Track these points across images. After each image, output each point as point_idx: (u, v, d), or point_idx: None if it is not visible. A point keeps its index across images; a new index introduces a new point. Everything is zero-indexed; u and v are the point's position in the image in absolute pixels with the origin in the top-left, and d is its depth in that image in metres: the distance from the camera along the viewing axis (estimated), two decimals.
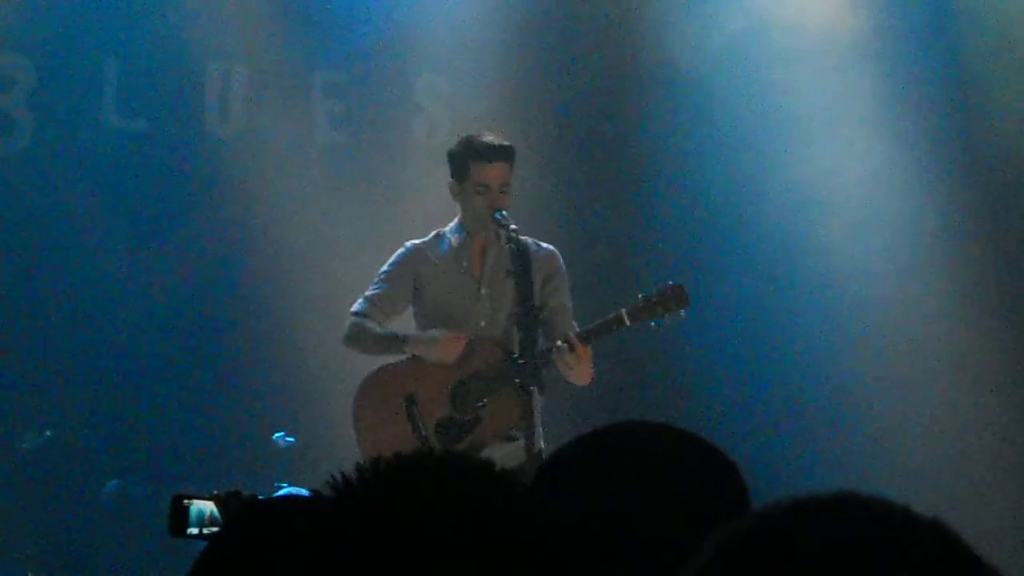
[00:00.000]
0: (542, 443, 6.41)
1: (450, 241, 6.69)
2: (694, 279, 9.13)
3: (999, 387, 9.05)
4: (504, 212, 6.46)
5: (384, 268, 6.76)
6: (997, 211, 9.25)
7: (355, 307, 6.72)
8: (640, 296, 6.45)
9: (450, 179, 6.61)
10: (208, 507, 3.30)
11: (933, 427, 9.05)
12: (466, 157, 6.51)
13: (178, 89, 8.93)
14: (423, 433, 6.42)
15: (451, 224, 6.73)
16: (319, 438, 8.20)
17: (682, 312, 6.43)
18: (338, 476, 1.49)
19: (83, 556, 8.42)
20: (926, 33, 9.21)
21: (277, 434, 8.34)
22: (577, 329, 6.47)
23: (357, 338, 6.68)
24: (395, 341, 6.60)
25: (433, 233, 6.78)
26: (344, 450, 7.36)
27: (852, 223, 9.19)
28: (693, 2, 9.29)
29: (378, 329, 6.65)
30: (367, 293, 6.73)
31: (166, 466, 8.54)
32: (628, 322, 6.37)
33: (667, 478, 2.11)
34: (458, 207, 6.69)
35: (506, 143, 6.57)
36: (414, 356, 6.63)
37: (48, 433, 8.41)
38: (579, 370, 6.34)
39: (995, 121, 9.24)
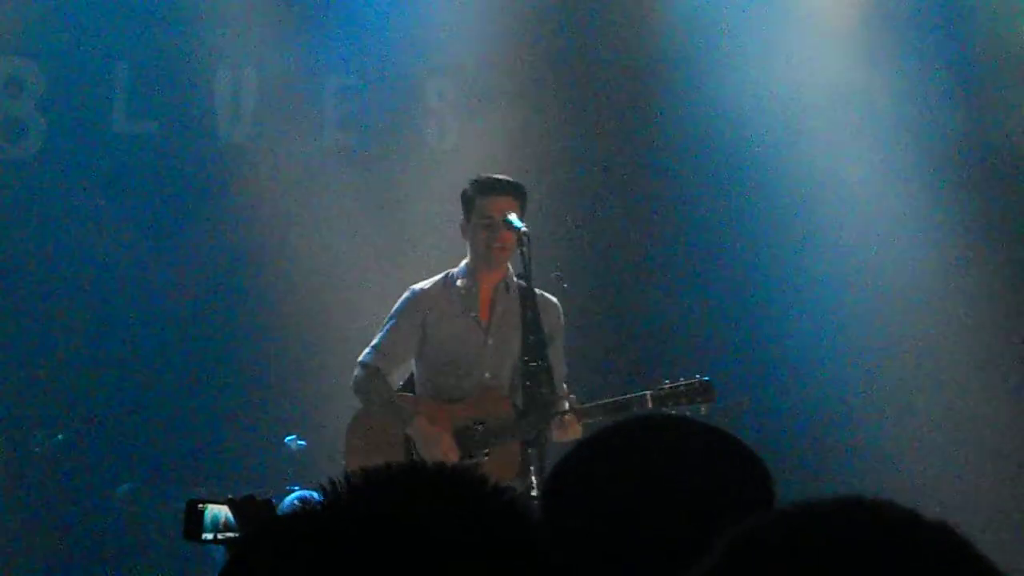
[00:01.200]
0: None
1: (458, 285, 6.62)
2: (703, 281, 9.18)
3: (1013, 385, 9.04)
4: (516, 217, 6.43)
5: (391, 314, 6.65)
6: (1012, 208, 9.25)
7: (363, 357, 6.62)
8: (667, 384, 6.43)
9: (462, 221, 6.55)
10: (223, 512, 3.29)
11: (947, 426, 9.03)
12: (473, 192, 6.48)
13: (188, 93, 8.94)
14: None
15: (459, 267, 6.66)
16: (331, 442, 8.20)
17: (703, 408, 6.41)
18: (337, 480, 1.49)
19: (94, 558, 8.43)
20: (933, 26, 9.20)
21: (289, 438, 8.35)
22: (570, 400, 6.42)
23: (363, 393, 6.63)
24: (399, 417, 6.52)
25: (441, 275, 6.69)
26: None
27: (864, 224, 9.19)
28: (706, 6, 9.28)
29: (385, 394, 6.59)
30: (374, 342, 6.62)
31: (178, 469, 8.54)
32: (651, 406, 6.36)
33: (682, 472, 2.08)
34: (469, 251, 6.61)
35: (515, 181, 6.53)
36: (417, 396, 6.62)
37: (60, 436, 8.43)
38: (567, 436, 6.34)
39: (1006, 117, 9.24)
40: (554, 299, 6.67)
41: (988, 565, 1.28)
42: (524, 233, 6.35)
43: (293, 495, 8.04)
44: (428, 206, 8.71)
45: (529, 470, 6.31)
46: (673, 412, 6.38)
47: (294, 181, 8.99)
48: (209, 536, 3.30)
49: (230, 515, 3.27)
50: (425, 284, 6.67)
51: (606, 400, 6.44)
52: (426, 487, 1.47)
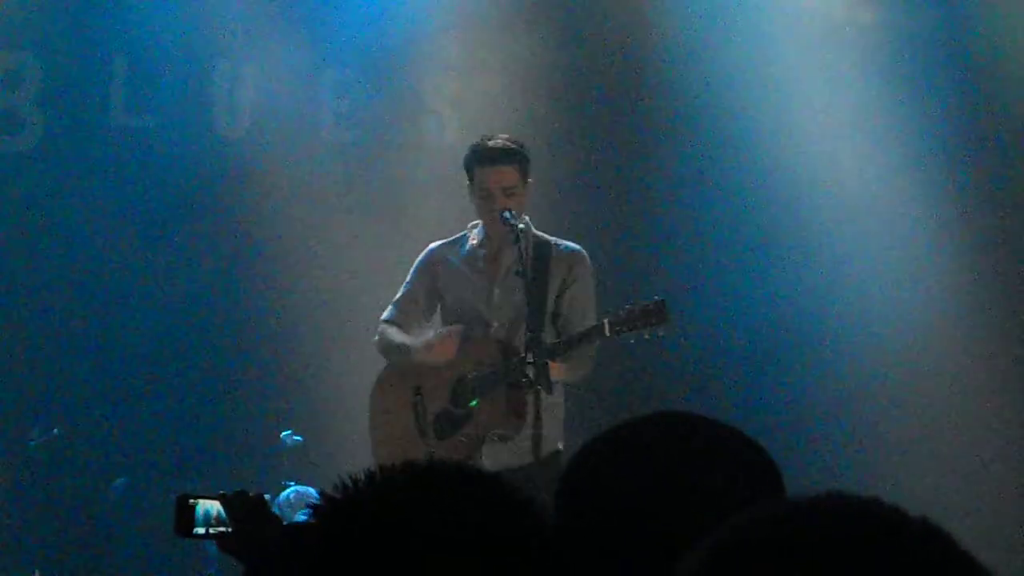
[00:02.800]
0: (559, 445, 6.43)
1: (470, 240, 6.74)
2: (701, 283, 9.18)
3: (1009, 389, 9.04)
4: (511, 212, 6.46)
5: (410, 271, 6.84)
6: (1011, 212, 9.24)
7: (385, 314, 6.82)
8: (624, 308, 6.37)
9: (468, 186, 6.66)
10: (214, 506, 3.29)
11: (943, 431, 9.03)
12: (471, 162, 6.57)
13: (186, 87, 8.94)
14: (423, 424, 6.45)
15: (480, 231, 6.76)
16: (327, 437, 8.22)
17: (660, 330, 6.34)
18: (345, 479, 1.50)
19: (90, 553, 8.43)
20: (933, 27, 9.20)
21: (285, 432, 8.34)
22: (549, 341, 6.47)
23: (381, 346, 6.78)
24: (403, 350, 6.66)
25: (460, 233, 6.83)
26: (352, 448, 7.37)
27: (862, 227, 9.18)
28: (705, 8, 9.28)
29: (395, 337, 6.72)
30: (395, 298, 6.82)
31: (173, 464, 8.55)
32: (608, 333, 6.30)
33: (698, 469, 2.08)
34: None
35: (511, 146, 6.56)
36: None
37: (56, 431, 8.42)
38: (554, 375, 6.36)
39: (1006, 121, 9.25)
40: (575, 247, 6.69)
41: (971, 561, 1.28)
42: (521, 230, 6.38)
43: (289, 490, 8.04)
44: (426, 202, 8.71)
45: (515, 413, 6.37)
46: (633, 338, 6.34)
47: (292, 176, 8.99)
48: (201, 531, 3.29)
49: (222, 509, 3.27)
50: (440, 241, 6.83)
51: (569, 335, 6.43)
52: (420, 482, 1.47)
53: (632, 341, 6.37)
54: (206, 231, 8.93)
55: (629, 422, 2.20)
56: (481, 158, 6.52)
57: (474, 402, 6.54)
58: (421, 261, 6.81)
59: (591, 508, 2.10)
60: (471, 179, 6.56)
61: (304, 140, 9.10)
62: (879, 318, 9.17)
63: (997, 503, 8.78)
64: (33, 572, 8.13)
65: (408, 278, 6.82)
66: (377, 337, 6.78)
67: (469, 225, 6.77)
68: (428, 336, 6.64)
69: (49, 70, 8.79)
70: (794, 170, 9.14)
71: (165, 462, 8.59)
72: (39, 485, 8.43)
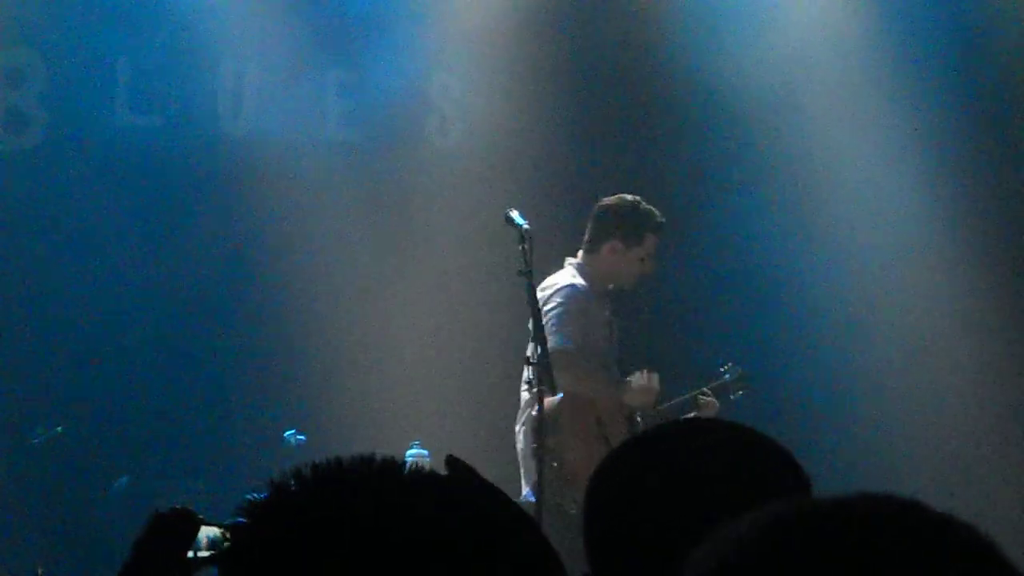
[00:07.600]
0: None
1: (589, 290, 6.92)
2: (699, 279, 9.18)
3: (1006, 384, 9.05)
4: (516, 212, 6.49)
5: (569, 306, 6.83)
6: (1008, 207, 9.25)
7: (565, 343, 6.73)
8: (713, 383, 7.19)
9: (616, 241, 6.86)
10: (215, 531, 3.23)
11: (939, 426, 9.04)
12: (644, 227, 6.87)
13: (190, 87, 8.92)
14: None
15: (583, 273, 6.92)
16: (331, 436, 8.20)
17: (740, 392, 7.23)
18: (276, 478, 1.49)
19: (92, 550, 8.41)
20: (940, 35, 9.20)
21: (289, 432, 8.33)
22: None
23: (583, 377, 6.79)
24: (616, 388, 6.91)
25: (566, 271, 6.98)
26: (355, 448, 7.34)
27: (860, 221, 9.20)
28: (711, 13, 9.28)
29: (602, 374, 6.95)
30: (568, 329, 6.76)
31: (177, 463, 8.54)
32: (700, 406, 7.03)
33: (719, 474, 2.09)
34: (602, 263, 6.90)
35: None
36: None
37: (59, 429, 8.40)
38: None
39: (1005, 118, 9.26)
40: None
41: (1015, 570, 1.25)
42: (527, 231, 6.37)
43: None
44: (430, 202, 8.71)
45: None
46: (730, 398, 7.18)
47: (295, 176, 8.97)
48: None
49: (218, 535, 3.20)
50: (576, 280, 6.93)
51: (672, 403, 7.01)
52: (390, 485, 1.45)
53: (731, 398, 7.26)
54: (209, 230, 8.92)
55: (654, 430, 2.24)
56: (658, 227, 6.89)
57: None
58: (580, 297, 6.88)
59: (618, 513, 2.10)
60: (636, 241, 6.86)
61: (308, 139, 9.09)
62: (882, 317, 9.18)
63: (995, 502, 8.78)
64: (35, 569, 8.11)
65: (571, 311, 6.80)
66: (574, 366, 6.73)
67: (569, 268, 6.98)
68: (640, 382, 6.91)
69: (53, 68, 8.77)
70: (800, 168, 9.16)
71: (168, 460, 8.58)
72: (42, 482, 8.42)
